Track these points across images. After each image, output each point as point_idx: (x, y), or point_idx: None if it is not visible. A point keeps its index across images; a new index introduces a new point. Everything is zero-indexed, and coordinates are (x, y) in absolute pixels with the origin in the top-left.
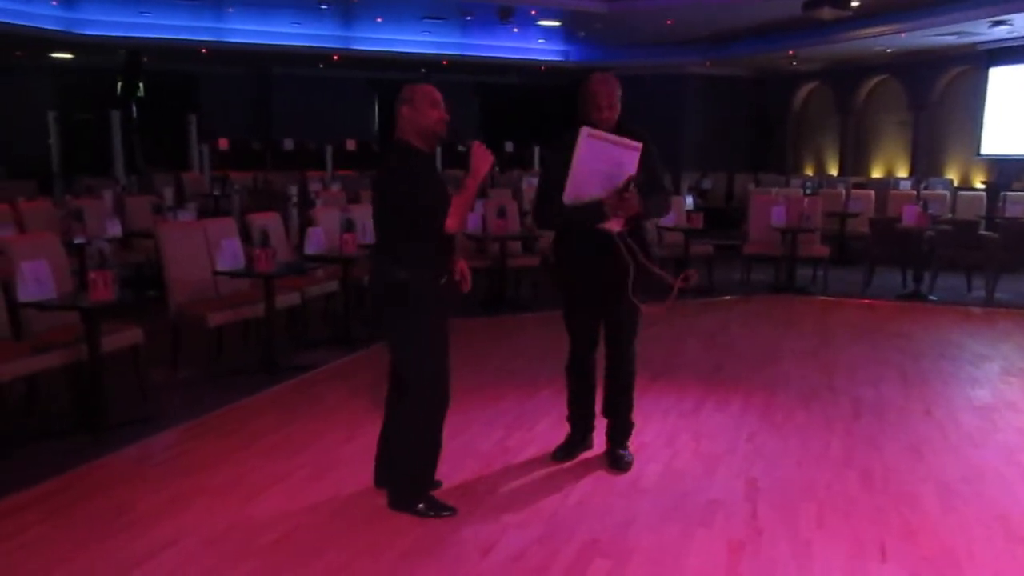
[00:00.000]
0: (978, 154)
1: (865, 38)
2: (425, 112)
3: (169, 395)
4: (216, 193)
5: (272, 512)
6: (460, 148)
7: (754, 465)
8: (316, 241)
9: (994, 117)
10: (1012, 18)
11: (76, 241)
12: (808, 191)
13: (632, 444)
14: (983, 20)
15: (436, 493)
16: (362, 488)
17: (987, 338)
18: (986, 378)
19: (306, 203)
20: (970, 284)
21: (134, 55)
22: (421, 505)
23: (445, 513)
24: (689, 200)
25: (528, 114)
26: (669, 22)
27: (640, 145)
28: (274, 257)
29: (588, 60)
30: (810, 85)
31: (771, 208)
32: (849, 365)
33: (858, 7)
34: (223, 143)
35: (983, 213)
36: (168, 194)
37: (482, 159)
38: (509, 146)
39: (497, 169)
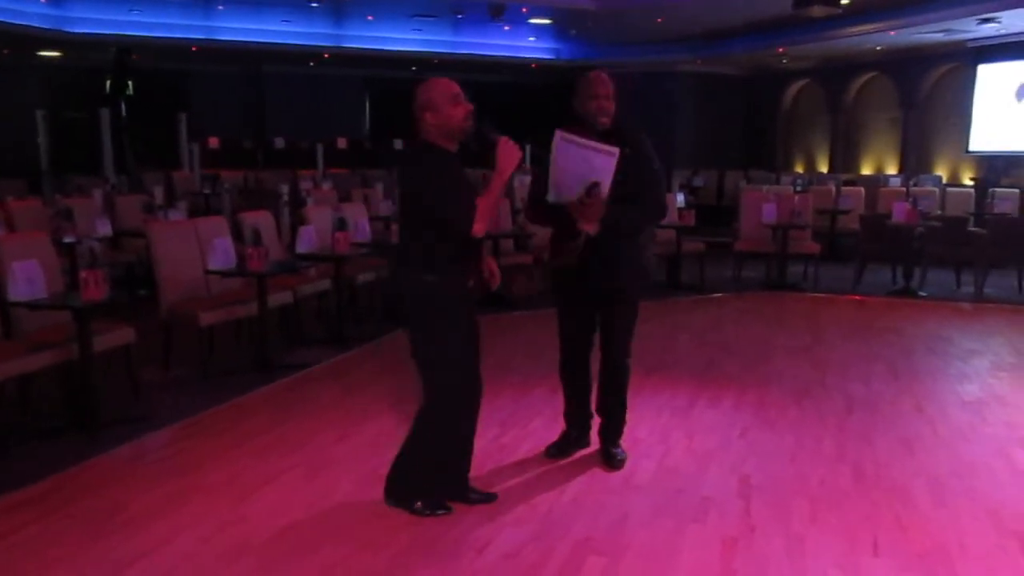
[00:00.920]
0: (967, 151)
1: (855, 36)
2: (449, 113)
3: (161, 394)
4: (207, 192)
5: (266, 511)
6: (485, 140)
7: (747, 461)
8: (308, 240)
9: (982, 114)
10: (1000, 15)
11: (66, 240)
12: (799, 188)
13: (625, 441)
14: (971, 18)
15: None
16: (356, 486)
17: (976, 333)
18: (975, 373)
19: (297, 202)
20: (959, 280)
21: (123, 53)
22: (419, 504)
23: (440, 512)
24: (680, 197)
25: (519, 112)
26: (660, 20)
27: (616, 150)
28: (266, 256)
29: (579, 58)
30: (800, 83)
31: (762, 205)
32: (841, 361)
33: (848, 5)
34: (213, 142)
35: (972, 209)
36: (158, 193)
37: (508, 156)
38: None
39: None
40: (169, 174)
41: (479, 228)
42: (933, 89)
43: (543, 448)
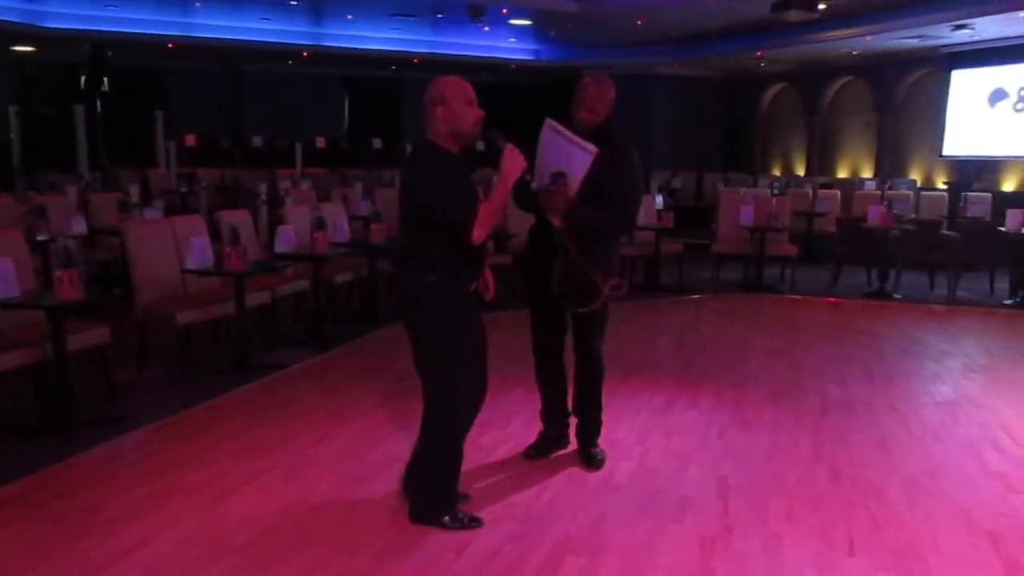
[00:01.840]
0: (940, 155)
1: (831, 40)
2: (461, 112)
3: (138, 395)
4: (183, 190)
5: (245, 512)
6: (490, 146)
7: (724, 462)
8: (286, 239)
9: (956, 119)
10: (973, 22)
11: (40, 238)
12: (776, 191)
13: (604, 442)
14: (945, 24)
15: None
16: (336, 487)
17: (949, 335)
18: (948, 374)
19: (276, 201)
20: (933, 282)
21: (99, 49)
22: (446, 519)
23: (473, 524)
24: (659, 199)
25: (499, 112)
26: (639, 22)
27: (595, 149)
28: (244, 255)
29: (559, 59)
30: (778, 86)
31: (740, 207)
32: (817, 362)
33: (825, 10)
34: (190, 139)
35: (945, 213)
36: (134, 191)
37: (513, 163)
38: (480, 144)
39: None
40: (145, 172)
41: (479, 234)
42: (908, 94)
43: (522, 449)
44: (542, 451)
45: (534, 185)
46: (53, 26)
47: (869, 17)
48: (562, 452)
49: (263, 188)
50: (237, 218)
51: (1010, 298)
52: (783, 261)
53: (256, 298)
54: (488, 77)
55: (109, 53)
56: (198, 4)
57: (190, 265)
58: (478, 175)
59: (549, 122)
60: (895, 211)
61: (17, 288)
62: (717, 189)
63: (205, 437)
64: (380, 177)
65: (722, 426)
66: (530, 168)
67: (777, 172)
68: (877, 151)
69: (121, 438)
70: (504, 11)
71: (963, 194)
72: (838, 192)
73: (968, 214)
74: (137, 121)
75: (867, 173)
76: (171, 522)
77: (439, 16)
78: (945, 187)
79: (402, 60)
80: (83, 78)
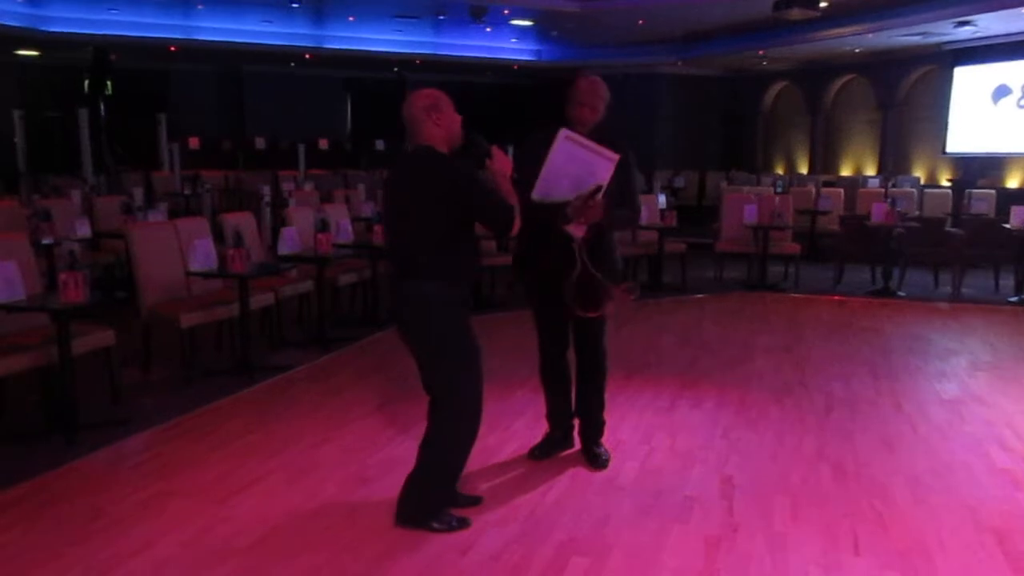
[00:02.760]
0: (944, 152)
1: (833, 38)
2: (451, 117)
3: (142, 397)
4: (187, 193)
5: (249, 514)
6: (477, 150)
7: (729, 461)
8: (290, 241)
9: (959, 116)
10: (976, 19)
11: (44, 242)
12: (779, 189)
13: (608, 442)
14: (948, 21)
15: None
16: (340, 489)
17: (954, 333)
18: (953, 372)
19: (279, 203)
20: (937, 280)
21: (102, 52)
22: (435, 524)
23: (462, 526)
24: (662, 198)
25: (501, 113)
26: (641, 22)
27: (617, 157)
28: (248, 257)
29: (561, 59)
30: (780, 84)
31: (743, 206)
32: (821, 361)
33: (826, 7)
34: (194, 142)
35: (949, 210)
36: (138, 194)
37: (505, 163)
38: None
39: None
40: (149, 175)
41: (518, 224)
42: (911, 91)
43: (526, 449)
44: (547, 451)
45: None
46: (56, 30)
47: (871, 14)
48: (566, 452)
49: (266, 190)
50: (240, 220)
51: (1015, 295)
52: (787, 260)
53: (260, 300)
54: (490, 78)
55: (112, 56)
56: (200, 7)
57: (194, 267)
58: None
59: (566, 132)
60: (899, 209)
61: (22, 291)
62: (720, 188)
63: (209, 439)
64: (383, 178)
65: (726, 425)
66: (526, 176)
67: (780, 170)
68: (880, 149)
69: (125, 441)
70: (505, 12)
71: (967, 191)
72: (841, 190)
73: (972, 211)
74: (141, 124)
75: (870, 171)
76: (175, 525)
77: (441, 17)
78: (949, 184)
79: (404, 61)
80: (86, 81)
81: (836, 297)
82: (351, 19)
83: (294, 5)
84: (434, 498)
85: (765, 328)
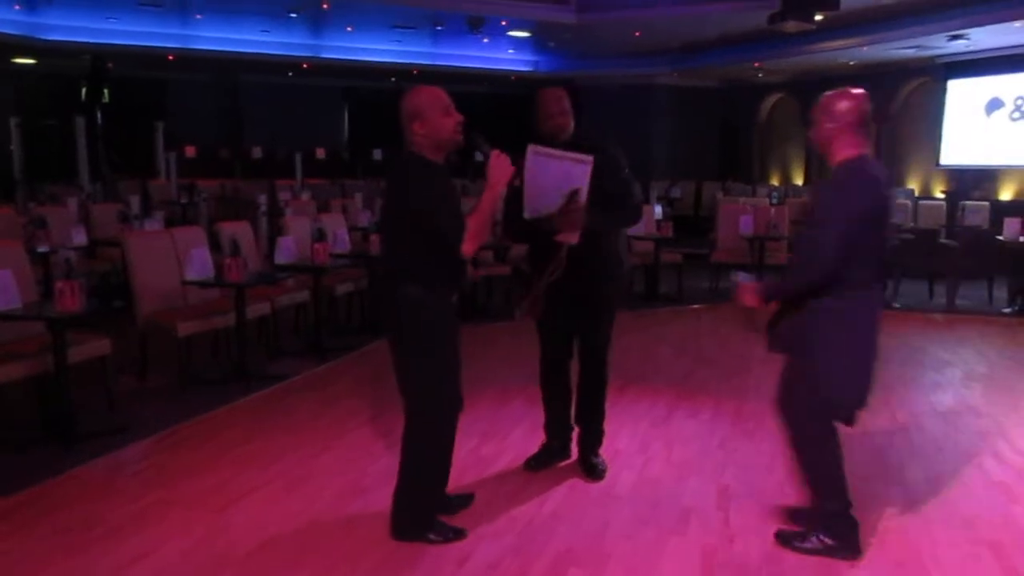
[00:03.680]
0: (938, 164)
1: (828, 50)
2: (439, 123)
3: (138, 406)
4: (183, 201)
5: (247, 523)
6: (478, 157)
7: (726, 471)
8: (286, 250)
9: (953, 128)
10: (969, 33)
11: (40, 250)
12: (775, 200)
13: (605, 452)
14: (941, 34)
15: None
16: (337, 499)
17: (948, 344)
18: (948, 383)
19: (276, 212)
20: (932, 291)
21: (99, 61)
22: (431, 535)
23: (458, 537)
24: (658, 209)
25: (498, 123)
26: (637, 33)
27: (590, 159)
28: (244, 266)
29: (557, 70)
30: (776, 96)
31: (739, 217)
32: None
33: (821, 20)
34: (190, 151)
35: (943, 222)
36: (134, 202)
37: (500, 171)
38: (479, 155)
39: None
40: (145, 183)
41: (468, 248)
42: (905, 103)
43: (523, 459)
44: (544, 462)
45: (527, 215)
46: (53, 38)
47: (865, 27)
48: (563, 463)
49: (263, 199)
50: (237, 229)
51: (1009, 306)
52: (783, 270)
53: (256, 309)
54: (487, 88)
55: (110, 65)
56: (198, 16)
57: (190, 276)
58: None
59: (532, 148)
60: (893, 220)
61: (18, 300)
62: (716, 199)
63: (206, 448)
64: (380, 188)
65: (723, 436)
66: (519, 174)
67: (775, 181)
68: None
69: (122, 450)
70: (503, 23)
71: (961, 203)
72: None
73: (966, 223)
74: (137, 132)
75: None
76: (172, 534)
77: (438, 28)
78: (943, 196)
79: (402, 71)
80: (84, 90)
81: None
82: (349, 29)
83: (292, 15)
84: (425, 508)
85: (761, 339)
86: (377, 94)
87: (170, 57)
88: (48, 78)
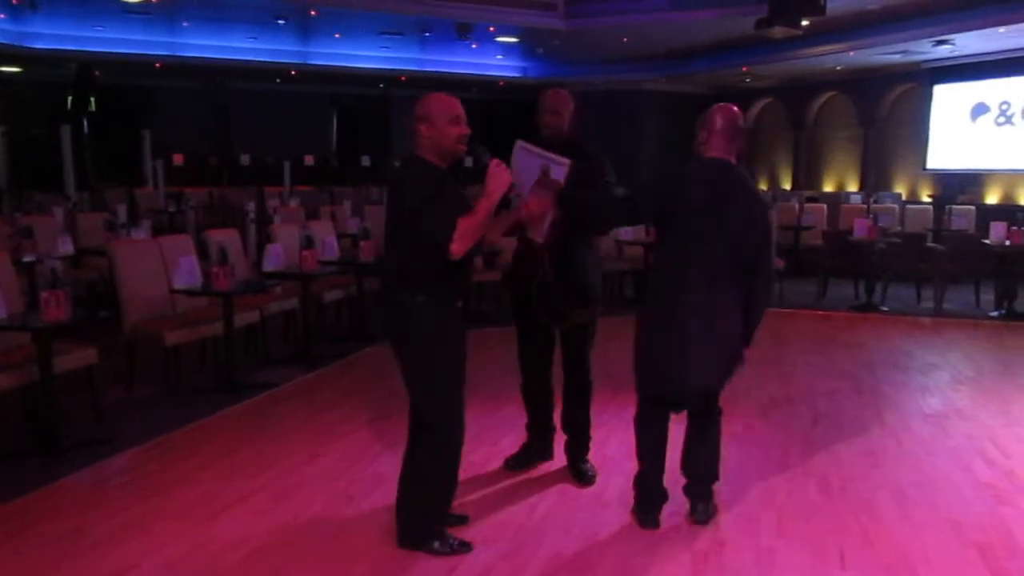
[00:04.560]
0: (924, 168)
1: (815, 56)
2: (444, 130)
3: (125, 416)
4: (171, 209)
5: (234, 534)
6: (476, 163)
7: None
8: (275, 258)
9: (939, 133)
10: (954, 38)
11: (26, 259)
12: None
13: (595, 457)
14: (927, 40)
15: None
16: (325, 507)
17: (936, 347)
18: (936, 386)
19: (264, 219)
20: (919, 295)
21: (86, 69)
22: (437, 544)
23: (463, 549)
24: None
25: (487, 129)
26: (625, 39)
27: (567, 162)
28: (232, 274)
29: (546, 76)
30: (763, 101)
31: None
32: (805, 375)
33: (808, 26)
34: (178, 158)
35: (930, 226)
36: (121, 211)
37: (498, 180)
38: (468, 161)
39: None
40: (132, 191)
41: (457, 248)
42: (891, 108)
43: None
44: (523, 462)
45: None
46: (39, 46)
47: (852, 33)
48: (552, 468)
49: (251, 206)
50: (225, 237)
51: (996, 310)
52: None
53: (245, 317)
54: (476, 94)
55: (96, 73)
56: (185, 23)
57: (178, 285)
58: (469, 191)
59: (520, 143)
60: (881, 224)
61: (3, 310)
62: None
63: (194, 458)
64: (369, 195)
65: None
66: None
67: (764, 186)
68: (862, 165)
69: (109, 460)
70: (491, 29)
71: (947, 207)
72: (824, 206)
73: (952, 227)
74: (124, 140)
75: (852, 187)
76: (160, 544)
77: (427, 34)
78: (929, 200)
79: (390, 78)
80: (70, 98)
81: (820, 312)
82: (337, 36)
83: (280, 22)
84: (432, 517)
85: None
86: (365, 101)
87: (157, 65)
88: (34, 86)
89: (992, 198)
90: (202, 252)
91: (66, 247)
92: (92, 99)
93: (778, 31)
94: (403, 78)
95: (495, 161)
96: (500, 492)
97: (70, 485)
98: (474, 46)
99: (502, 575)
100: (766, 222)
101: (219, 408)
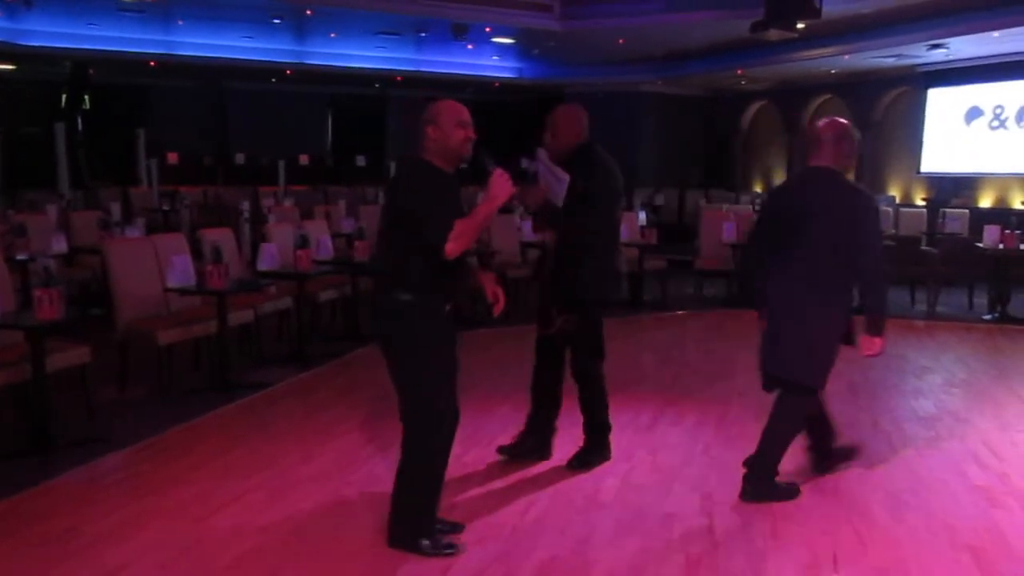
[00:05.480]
0: (918, 172)
1: (810, 59)
2: (451, 132)
3: (118, 415)
4: (165, 208)
5: (227, 534)
6: (481, 169)
7: (709, 478)
8: (269, 257)
9: (933, 136)
10: (948, 42)
11: (19, 257)
12: (757, 207)
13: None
14: (921, 44)
15: None
16: (319, 507)
17: (929, 350)
18: (929, 389)
19: (258, 218)
20: (913, 298)
21: (80, 67)
22: (426, 542)
23: (448, 552)
24: (643, 216)
25: (483, 130)
26: (621, 41)
27: (565, 177)
28: (226, 273)
29: (542, 77)
30: (758, 104)
31: (722, 224)
32: None
33: (803, 29)
34: (173, 157)
35: (924, 229)
36: (115, 209)
37: (501, 188)
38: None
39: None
40: (126, 190)
41: (452, 247)
42: (886, 112)
43: (507, 466)
44: (515, 453)
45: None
46: (33, 44)
47: (846, 37)
48: (546, 469)
49: (246, 206)
50: (219, 236)
51: (989, 313)
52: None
53: (239, 317)
54: (472, 95)
55: (91, 71)
56: (181, 22)
57: (172, 284)
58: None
59: (540, 151)
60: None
61: None
62: (699, 206)
63: (187, 458)
64: (363, 194)
65: (707, 442)
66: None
67: (758, 188)
68: (856, 168)
69: (102, 459)
70: (487, 30)
71: (941, 210)
72: None
73: (946, 230)
74: (119, 139)
75: None
76: (153, 544)
77: (423, 34)
78: (924, 204)
79: (385, 78)
80: (64, 96)
81: None
82: (333, 35)
83: (276, 21)
84: (419, 516)
85: (745, 345)
86: (361, 101)
87: (152, 63)
88: (28, 84)
89: (986, 202)
90: (196, 251)
91: (60, 245)
92: (86, 97)
93: (773, 34)
94: (399, 78)
95: (499, 171)
96: (494, 493)
97: (63, 484)
98: (470, 47)
99: None
100: (867, 226)
101: (213, 407)
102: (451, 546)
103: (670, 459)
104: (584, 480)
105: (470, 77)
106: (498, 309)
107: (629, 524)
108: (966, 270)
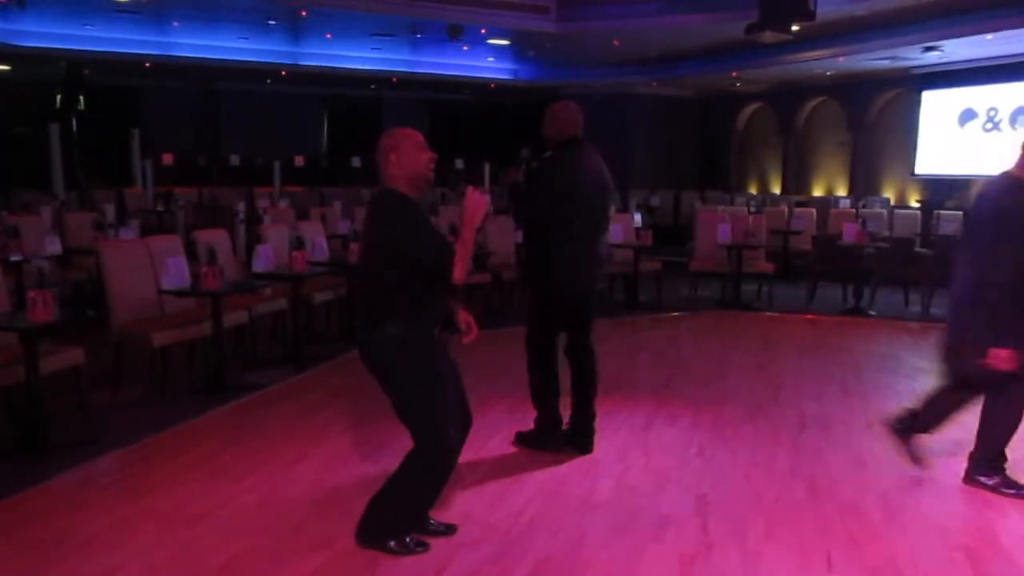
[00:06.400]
0: (913, 174)
1: (805, 61)
2: (414, 156)
3: (112, 417)
4: (160, 209)
5: (220, 536)
6: (453, 188)
7: (703, 479)
8: (264, 258)
9: (927, 138)
10: (942, 44)
11: (13, 259)
12: (752, 209)
13: (583, 461)
14: (916, 46)
15: None
16: (313, 509)
17: (923, 352)
18: (923, 391)
19: (254, 220)
20: (907, 299)
21: (75, 68)
22: (392, 543)
23: (418, 550)
24: (638, 217)
25: (478, 131)
26: (617, 43)
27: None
28: (221, 275)
29: (537, 78)
30: (753, 106)
31: (717, 225)
32: (794, 379)
33: (798, 31)
34: (167, 158)
35: (918, 231)
36: (109, 211)
37: (475, 206)
38: (459, 163)
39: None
40: (121, 191)
41: (458, 274)
42: (880, 113)
43: (501, 468)
44: (531, 441)
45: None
46: (28, 44)
47: (841, 39)
48: (542, 469)
49: (241, 207)
50: (214, 237)
51: None
52: (760, 278)
53: (233, 318)
54: (467, 96)
55: (85, 72)
56: (176, 23)
57: (166, 285)
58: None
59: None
60: (869, 229)
61: None
62: (695, 207)
63: (181, 459)
64: (359, 196)
65: (701, 444)
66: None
67: (753, 190)
68: (851, 170)
69: (95, 461)
70: (482, 31)
71: (935, 212)
72: (813, 210)
73: (940, 232)
74: (113, 140)
75: (841, 191)
76: (146, 546)
77: (418, 36)
78: (918, 205)
79: (381, 79)
80: (59, 97)
81: (808, 316)
82: (328, 36)
83: (271, 22)
84: (393, 518)
85: (739, 346)
86: (356, 102)
87: (147, 64)
88: (22, 85)
89: None
90: (191, 252)
91: (54, 247)
92: (81, 98)
93: (768, 36)
94: (394, 79)
95: (470, 188)
96: (488, 495)
97: (56, 486)
98: (465, 48)
99: None
100: None
101: (207, 409)
102: (421, 544)
103: (664, 460)
104: (578, 481)
105: (465, 78)
106: (468, 339)
107: (623, 525)
108: None
